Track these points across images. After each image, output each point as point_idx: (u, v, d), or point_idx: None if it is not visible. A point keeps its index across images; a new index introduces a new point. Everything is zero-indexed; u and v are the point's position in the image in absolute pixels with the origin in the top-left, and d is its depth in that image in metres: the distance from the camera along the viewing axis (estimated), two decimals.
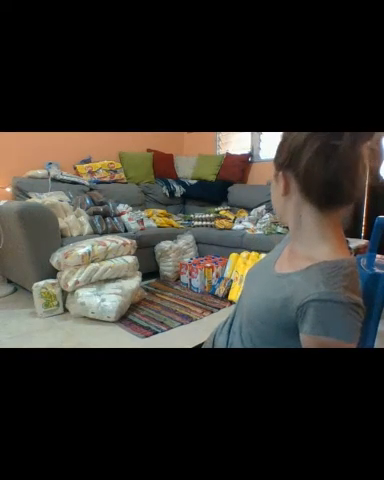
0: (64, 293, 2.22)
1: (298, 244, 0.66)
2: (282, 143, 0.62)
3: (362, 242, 2.15)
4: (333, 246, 0.61)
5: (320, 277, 0.56)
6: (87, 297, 2.06)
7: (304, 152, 0.57)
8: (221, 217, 3.23)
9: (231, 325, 0.78)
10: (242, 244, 2.83)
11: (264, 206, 3.16)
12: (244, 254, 2.66)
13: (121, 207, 3.01)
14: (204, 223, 3.25)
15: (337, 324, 0.54)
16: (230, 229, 3.05)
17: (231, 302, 2.45)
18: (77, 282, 2.10)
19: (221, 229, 3.06)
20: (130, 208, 3.07)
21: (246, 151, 3.72)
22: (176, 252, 2.92)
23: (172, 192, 3.76)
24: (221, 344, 0.78)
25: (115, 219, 2.82)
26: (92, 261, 2.18)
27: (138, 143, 3.85)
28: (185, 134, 4.30)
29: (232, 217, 3.24)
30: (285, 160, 0.61)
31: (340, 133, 0.54)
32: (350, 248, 0.65)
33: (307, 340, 0.57)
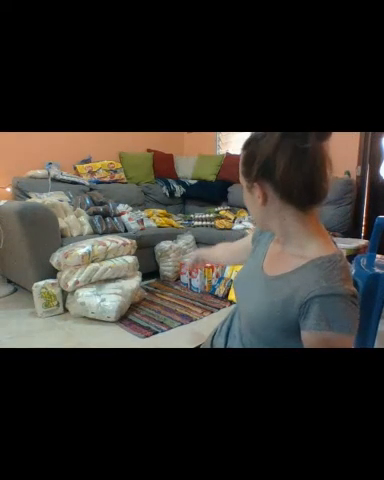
0: (64, 293, 2.22)
1: (287, 245, 0.66)
2: (248, 156, 0.63)
3: (362, 242, 2.15)
4: (321, 242, 0.63)
5: (318, 273, 0.57)
6: (87, 297, 2.06)
7: (277, 161, 0.58)
8: (221, 217, 3.23)
9: (229, 327, 0.78)
10: None
11: None
12: None
13: (121, 207, 3.01)
14: (204, 223, 3.25)
15: (340, 317, 0.55)
16: (230, 229, 3.04)
17: (231, 302, 2.45)
18: (77, 282, 2.10)
19: (221, 229, 3.06)
20: (130, 208, 3.07)
21: None
22: (176, 252, 2.92)
23: (172, 192, 3.76)
24: (220, 346, 0.77)
25: (115, 219, 2.82)
26: (92, 261, 2.18)
27: (138, 143, 3.84)
28: (185, 134, 4.30)
29: (232, 217, 3.24)
30: (258, 171, 0.61)
31: (305, 135, 0.56)
32: (334, 242, 0.67)
33: (309, 336, 0.57)
